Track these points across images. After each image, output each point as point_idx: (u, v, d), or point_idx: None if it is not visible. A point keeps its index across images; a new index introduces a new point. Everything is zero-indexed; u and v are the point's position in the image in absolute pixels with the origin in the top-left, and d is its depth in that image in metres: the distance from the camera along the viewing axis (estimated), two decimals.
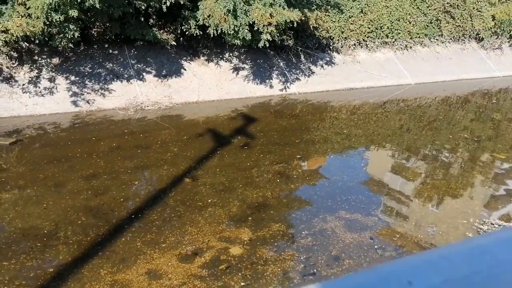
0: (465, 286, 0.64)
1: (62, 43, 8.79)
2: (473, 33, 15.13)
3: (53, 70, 9.50)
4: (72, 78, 9.53)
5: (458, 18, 14.66)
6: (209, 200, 6.36)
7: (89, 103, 9.29)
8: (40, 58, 9.56)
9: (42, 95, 9.10)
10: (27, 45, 9.42)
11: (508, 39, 15.66)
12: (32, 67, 9.37)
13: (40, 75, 9.34)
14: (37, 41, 8.72)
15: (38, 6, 7.97)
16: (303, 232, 5.87)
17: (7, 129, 8.17)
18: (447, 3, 14.33)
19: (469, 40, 15.19)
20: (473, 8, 14.84)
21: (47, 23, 8.29)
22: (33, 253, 5.03)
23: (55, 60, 9.63)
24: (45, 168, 6.88)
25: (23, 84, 9.10)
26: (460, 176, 8.28)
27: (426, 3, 14.09)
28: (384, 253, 5.64)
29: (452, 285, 0.64)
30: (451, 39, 14.75)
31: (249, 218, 6.04)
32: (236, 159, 7.68)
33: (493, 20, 15.09)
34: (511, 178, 8.41)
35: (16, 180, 6.54)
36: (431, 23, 14.26)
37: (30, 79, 9.20)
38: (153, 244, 5.30)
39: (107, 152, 7.59)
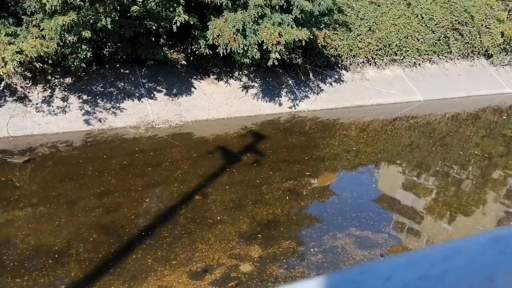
0: (439, 282, 0.69)
1: (75, 63, 8.96)
2: (482, 49, 15.15)
3: (66, 89, 9.68)
4: (84, 97, 9.69)
5: (467, 35, 14.71)
6: (219, 217, 6.39)
7: (101, 122, 9.42)
8: (53, 78, 9.75)
9: (55, 114, 9.25)
10: (41, 65, 9.62)
11: None
12: (45, 87, 9.55)
13: (53, 94, 9.52)
14: (50, 62, 8.91)
15: (52, 28, 8.16)
16: (313, 249, 5.86)
17: (21, 147, 8.30)
18: (455, 20, 14.40)
19: (478, 57, 15.20)
20: (482, 25, 14.89)
21: (60, 44, 8.48)
22: (45, 270, 5.08)
23: (68, 80, 9.81)
24: (57, 186, 6.96)
25: (37, 104, 9.27)
26: (471, 193, 8.23)
27: (434, 20, 14.17)
28: None
29: (426, 281, 0.69)
30: (460, 56, 14.78)
31: (259, 235, 6.05)
32: (246, 176, 7.72)
33: (502, 37, 15.11)
34: None
35: (29, 197, 6.63)
36: (439, 40, 14.32)
37: (44, 98, 9.37)
38: (163, 261, 5.33)
39: (118, 170, 7.67)
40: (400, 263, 0.72)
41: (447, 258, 0.72)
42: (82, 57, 8.88)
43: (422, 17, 14.07)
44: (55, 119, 9.17)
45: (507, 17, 15.20)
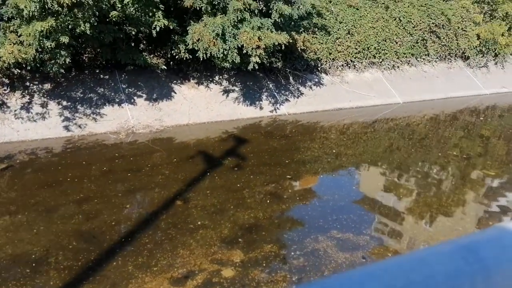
0: None
1: (53, 69, 8.86)
2: (459, 52, 15.43)
3: (45, 95, 9.56)
4: (64, 103, 9.58)
5: (444, 38, 14.96)
6: (201, 222, 6.38)
7: (80, 128, 9.33)
8: (31, 84, 9.62)
9: (34, 121, 9.13)
10: (19, 71, 9.49)
11: (493, 57, 15.98)
12: (24, 93, 9.42)
13: (32, 100, 9.39)
14: (28, 68, 8.79)
15: (30, 33, 8.07)
16: (295, 253, 5.89)
17: None
18: (432, 23, 14.64)
19: (455, 59, 15.47)
20: (458, 28, 15.16)
21: (39, 49, 8.38)
22: (24, 280, 5.01)
23: (47, 86, 9.70)
24: (36, 193, 6.87)
25: (15, 110, 9.13)
26: (451, 194, 8.37)
27: (412, 23, 14.39)
28: None
29: None
30: (437, 58, 15.02)
31: (241, 239, 6.06)
32: (227, 181, 7.72)
33: (478, 39, 15.40)
34: (502, 195, 8.51)
35: (7, 205, 6.53)
36: (417, 43, 14.54)
37: (22, 105, 9.24)
38: (144, 267, 5.30)
39: (98, 176, 7.60)
40: (363, 278, 0.73)
41: (411, 270, 0.74)
42: (61, 63, 8.79)
43: (400, 20, 14.28)
44: (34, 125, 9.05)
45: (482, 20, 15.51)
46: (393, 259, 0.78)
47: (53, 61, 8.78)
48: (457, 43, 15.21)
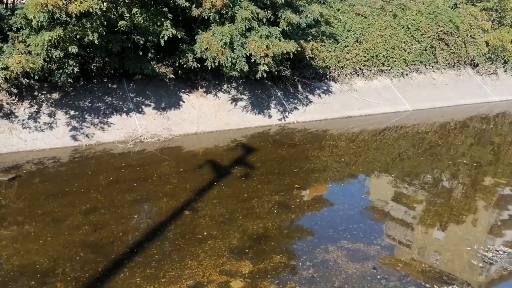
0: None
1: (61, 79, 8.88)
2: (468, 59, 15.32)
3: (53, 105, 9.58)
4: (72, 112, 9.59)
5: (453, 45, 14.87)
6: (209, 233, 6.30)
7: (88, 137, 9.32)
8: (40, 94, 9.65)
9: (42, 130, 9.13)
10: (27, 81, 9.52)
11: (502, 64, 15.85)
12: (32, 103, 9.44)
13: (40, 110, 9.41)
14: (37, 77, 8.81)
15: (38, 44, 8.09)
16: (305, 264, 5.79)
17: (6, 164, 8.16)
18: (441, 30, 14.55)
19: (464, 66, 15.36)
20: (467, 35, 15.07)
21: (47, 59, 8.41)
22: None
23: (55, 95, 9.72)
24: (43, 204, 6.84)
25: (23, 120, 9.15)
26: (461, 202, 8.24)
27: (420, 31, 14.32)
28: (388, 283, 5.56)
29: None
30: (446, 65, 14.92)
31: (250, 250, 5.98)
32: (236, 190, 7.65)
33: (487, 46, 15.30)
34: None
35: (15, 216, 6.50)
36: (425, 50, 14.46)
37: (30, 114, 9.26)
38: (152, 279, 5.23)
39: (106, 186, 7.56)
40: None
41: None
42: (69, 72, 8.81)
43: (408, 28, 14.21)
44: (41, 135, 9.06)
45: (491, 27, 15.40)
46: None
47: (61, 71, 8.80)
48: (466, 50, 15.11)
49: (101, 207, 6.81)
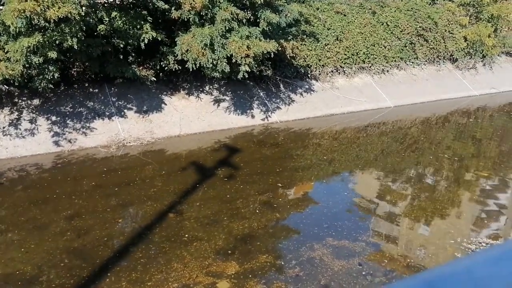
0: None
1: (42, 85, 8.79)
2: (447, 54, 15.53)
3: (34, 111, 9.48)
4: (53, 118, 9.50)
5: (432, 41, 15.06)
6: (194, 235, 6.31)
7: (70, 143, 9.24)
8: (20, 100, 9.54)
9: (23, 137, 9.03)
10: (7, 87, 9.40)
11: (481, 59, 16.09)
12: (12, 110, 9.33)
13: (21, 117, 9.30)
14: (16, 84, 8.71)
15: (17, 50, 8.00)
16: (291, 262, 5.84)
17: None
18: (420, 26, 14.73)
19: (444, 62, 15.56)
20: (445, 31, 15.27)
21: (26, 65, 8.31)
22: None
23: (36, 102, 9.61)
24: (26, 211, 6.77)
25: (4, 127, 9.03)
26: (445, 196, 8.36)
27: (399, 27, 14.47)
28: (373, 279, 5.63)
29: None
30: (426, 61, 15.10)
31: (236, 250, 6.00)
32: (221, 191, 7.67)
33: (465, 41, 15.52)
34: (495, 196, 8.52)
35: None
36: (405, 46, 14.62)
37: (11, 121, 9.15)
38: (138, 283, 5.22)
39: (89, 191, 7.52)
40: None
41: None
42: (49, 78, 8.72)
43: (388, 25, 14.35)
44: (23, 142, 8.95)
45: (469, 22, 15.63)
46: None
47: (41, 77, 8.71)
48: (445, 45, 15.31)
49: (84, 212, 6.77)
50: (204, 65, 9.63)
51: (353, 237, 6.56)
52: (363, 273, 5.73)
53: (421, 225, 7.45)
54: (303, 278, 5.51)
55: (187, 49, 9.55)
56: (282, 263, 5.83)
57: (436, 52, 15.24)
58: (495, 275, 0.73)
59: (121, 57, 10.13)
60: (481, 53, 15.92)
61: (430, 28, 14.91)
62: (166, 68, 10.43)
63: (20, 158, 8.69)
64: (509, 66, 17.31)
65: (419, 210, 7.70)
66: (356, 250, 6.22)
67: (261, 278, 5.47)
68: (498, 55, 16.62)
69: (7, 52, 8.28)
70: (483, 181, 9.11)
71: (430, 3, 15.56)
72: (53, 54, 8.30)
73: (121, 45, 9.58)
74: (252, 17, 10.16)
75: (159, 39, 9.77)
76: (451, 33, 15.40)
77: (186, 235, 6.27)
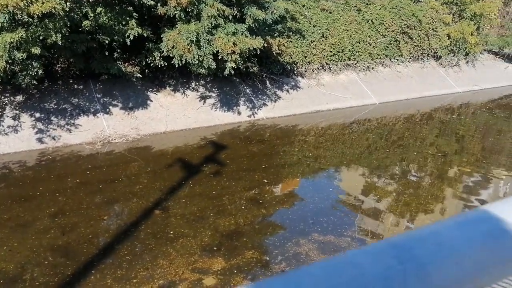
0: None
1: (25, 81, 8.67)
2: (431, 52, 15.70)
3: (17, 108, 9.35)
4: (37, 115, 9.38)
5: (416, 38, 15.20)
6: (180, 231, 6.30)
7: (55, 140, 9.14)
8: (3, 97, 9.40)
9: (6, 134, 8.91)
10: None
11: (464, 56, 16.30)
12: None
13: (4, 113, 9.17)
14: None
15: (0, 45, 7.88)
16: (277, 258, 5.87)
17: None
18: (404, 24, 14.86)
19: (428, 59, 15.73)
20: (429, 28, 15.43)
21: (9, 61, 8.19)
22: None
23: (19, 98, 9.48)
24: (9, 208, 6.69)
25: None
26: (429, 192, 8.47)
27: (384, 25, 14.58)
28: None
29: None
30: (410, 58, 15.25)
31: (222, 247, 6.01)
32: (207, 188, 7.66)
33: (448, 39, 15.71)
34: (478, 191, 8.67)
35: None
36: (390, 44, 14.74)
37: None
38: (124, 280, 5.20)
39: (74, 188, 7.45)
40: (291, 280, 0.72)
41: (340, 271, 0.72)
42: (33, 74, 8.60)
43: (373, 22, 14.45)
44: (6, 139, 8.83)
45: (452, 20, 15.81)
46: (322, 261, 0.76)
47: (24, 73, 8.60)
48: (429, 43, 15.47)
49: (69, 209, 6.71)
50: (190, 62, 9.60)
51: (339, 232, 6.61)
52: None
53: (406, 219, 7.55)
54: None
55: (173, 46, 9.51)
56: (268, 258, 5.86)
57: (420, 50, 15.40)
58: (458, 237, 0.77)
59: (106, 53, 10.04)
60: (464, 51, 16.13)
61: (414, 26, 15.06)
62: (152, 64, 10.37)
63: (2, 155, 8.57)
64: (491, 63, 17.59)
65: (403, 206, 7.80)
66: (342, 246, 6.28)
67: (247, 274, 5.49)
68: (480, 52, 16.86)
69: None
70: (466, 177, 9.26)
71: (414, 1, 15.71)
72: (36, 50, 8.19)
73: (106, 41, 9.50)
74: (238, 13, 10.16)
75: (145, 35, 9.71)
76: (435, 30, 15.57)
77: (172, 232, 6.26)
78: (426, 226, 0.84)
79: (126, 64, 10.35)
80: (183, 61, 9.62)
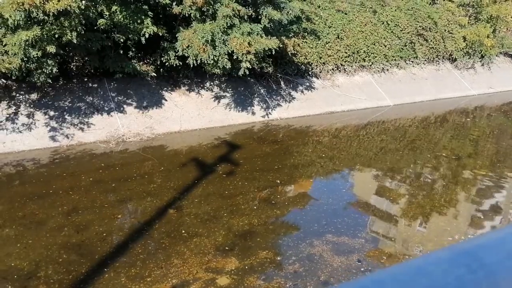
0: None
1: (40, 79, 8.72)
2: (447, 54, 15.52)
3: (32, 106, 9.41)
4: (51, 113, 9.43)
5: (431, 40, 15.05)
6: (194, 231, 6.27)
7: (68, 138, 9.18)
8: (18, 94, 9.46)
9: (20, 132, 8.96)
10: (4, 81, 9.33)
11: (479, 59, 16.09)
12: (10, 104, 9.25)
13: (18, 111, 9.23)
14: (14, 78, 8.64)
15: (15, 43, 7.93)
16: (291, 258, 5.81)
17: None
18: (420, 26, 14.72)
19: (443, 61, 15.56)
20: (445, 30, 15.27)
21: (24, 59, 8.24)
22: None
23: (34, 96, 9.54)
24: (24, 206, 6.71)
25: (1, 121, 8.96)
26: (443, 194, 8.35)
27: (400, 27, 14.45)
28: None
29: None
30: (425, 60, 15.10)
31: (236, 246, 5.96)
32: (221, 188, 7.63)
33: (464, 41, 15.52)
34: (492, 194, 8.52)
35: None
36: (405, 46, 14.60)
37: (8, 116, 9.08)
38: (138, 278, 5.18)
39: (88, 186, 7.46)
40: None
41: (410, 281, 0.67)
42: (47, 72, 8.65)
43: (388, 24, 14.33)
44: (20, 136, 8.89)
45: (468, 22, 15.63)
46: (387, 270, 0.71)
47: (39, 71, 8.64)
48: (444, 45, 15.30)
49: (83, 207, 6.72)
50: (205, 61, 9.58)
51: (352, 233, 6.53)
52: (362, 269, 5.71)
53: (419, 223, 7.44)
54: (303, 274, 5.48)
55: (188, 45, 9.50)
56: (282, 259, 5.80)
57: (435, 52, 15.24)
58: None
59: (121, 52, 10.06)
60: (479, 53, 15.93)
61: (430, 28, 14.90)
62: (166, 63, 10.37)
63: (17, 153, 8.62)
64: (507, 66, 17.34)
65: (417, 208, 7.69)
66: (355, 247, 6.20)
67: (261, 274, 5.44)
68: (496, 55, 16.63)
69: (5, 45, 8.21)
70: (480, 180, 9.11)
71: (430, 3, 15.56)
72: (52, 48, 8.23)
73: (121, 40, 9.52)
74: (253, 13, 10.12)
75: (160, 34, 9.72)
76: (451, 33, 15.40)
77: (186, 231, 6.23)
78: (491, 232, 0.78)
79: (141, 63, 10.37)
80: (198, 61, 9.61)
